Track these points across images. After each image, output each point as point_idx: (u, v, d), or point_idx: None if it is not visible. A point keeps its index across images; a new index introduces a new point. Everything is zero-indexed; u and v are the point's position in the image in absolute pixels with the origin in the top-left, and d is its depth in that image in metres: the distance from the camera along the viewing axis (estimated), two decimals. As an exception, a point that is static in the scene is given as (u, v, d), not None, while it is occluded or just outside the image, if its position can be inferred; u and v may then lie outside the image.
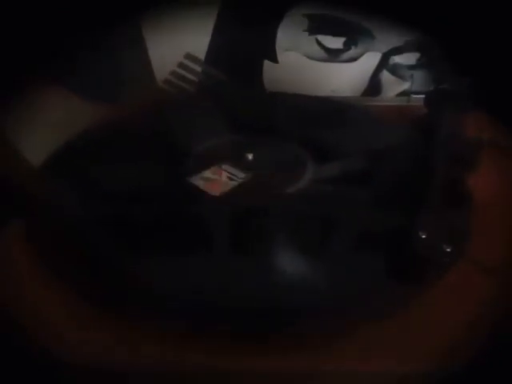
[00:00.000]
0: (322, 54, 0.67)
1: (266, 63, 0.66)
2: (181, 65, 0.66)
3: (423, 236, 0.44)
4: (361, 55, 0.67)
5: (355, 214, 0.47)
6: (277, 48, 0.66)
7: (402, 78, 0.67)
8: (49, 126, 0.53)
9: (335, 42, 0.67)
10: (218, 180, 0.50)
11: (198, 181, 0.49)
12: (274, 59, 0.66)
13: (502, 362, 0.36)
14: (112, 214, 0.44)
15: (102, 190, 0.47)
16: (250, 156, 0.52)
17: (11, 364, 0.34)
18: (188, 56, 0.66)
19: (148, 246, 0.42)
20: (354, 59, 0.67)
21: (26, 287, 0.40)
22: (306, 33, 0.66)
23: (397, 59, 0.67)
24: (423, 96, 0.59)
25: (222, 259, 0.42)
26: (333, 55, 0.67)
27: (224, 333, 0.38)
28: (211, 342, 0.37)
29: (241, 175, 0.50)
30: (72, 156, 0.52)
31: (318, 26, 0.66)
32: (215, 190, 0.49)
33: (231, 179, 0.50)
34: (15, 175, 0.47)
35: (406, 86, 0.67)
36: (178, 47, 0.64)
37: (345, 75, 0.67)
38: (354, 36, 0.66)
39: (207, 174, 0.51)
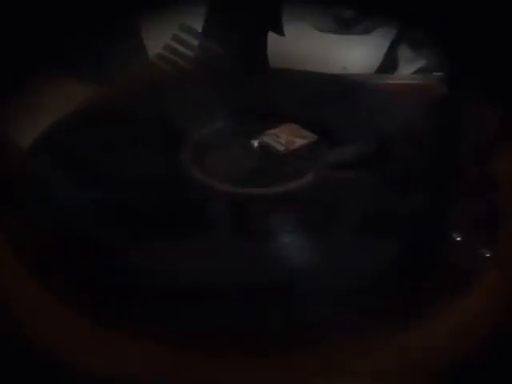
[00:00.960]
0: (332, 25, 0.63)
1: (271, 36, 0.62)
2: (175, 37, 0.61)
3: (458, 238, 0.40)
4: (376, 27, 0.64)
5: (368, 203, 0.44)
6: (283, 19, 0.62)
7: (420, 53, 0.63)
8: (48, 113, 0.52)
9: (348, 12, 0.63)
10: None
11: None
12: (280, 31, 0.62)
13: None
14: (106, 200, 0.43)
15: (94, 175, 0.46)
16: (256, 143, 0.49)
17: (9, 365, 0.34)
18: (183, 27, 0.61)
19: (144, 233, 0.41)
20: (368, 31, 0.64)
21: (21, 287, 0.40)
22: (316, 1, 0.63)
23: (416, 32, 0.63)
24: (444, 74, 0.56)
25: (224, 247, 0.41)
26: (345, 27, 0.64)
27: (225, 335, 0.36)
28: (212, 346, 0.36)
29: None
30: (59, 139, 0.50)
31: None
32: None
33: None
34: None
35: (424, 62, 0.63)
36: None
37: (357, 50, 0.64)
38: (369, 5, 0.60)
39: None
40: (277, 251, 0.41)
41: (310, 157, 0.49)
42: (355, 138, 0.50)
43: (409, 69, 0.63)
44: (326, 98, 0.55)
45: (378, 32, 0.63)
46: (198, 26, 0.61)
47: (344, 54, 0.63)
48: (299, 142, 0.50)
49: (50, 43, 0.49)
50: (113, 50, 0.55)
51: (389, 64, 0.63)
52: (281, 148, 0.49)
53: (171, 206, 0.44)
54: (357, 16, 0.63)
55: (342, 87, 0.57)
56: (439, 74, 0.57)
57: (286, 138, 0.50)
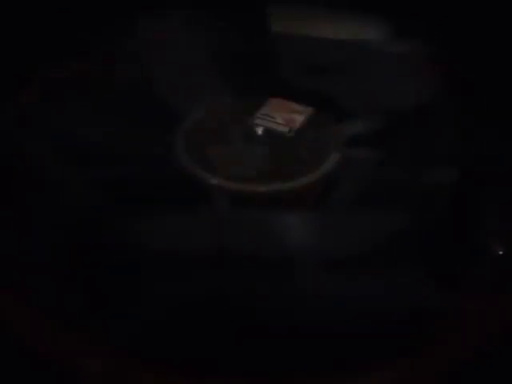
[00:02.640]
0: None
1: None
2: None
3: (500, 252, 0.36)
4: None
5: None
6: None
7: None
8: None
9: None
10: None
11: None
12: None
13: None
14: (98, 178, 0.43)
15: (86, 153, 0.45)
16: (260, 130, 0.45)
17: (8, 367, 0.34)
18: None
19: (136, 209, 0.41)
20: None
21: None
22: None
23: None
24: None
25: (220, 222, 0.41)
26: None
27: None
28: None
29: None
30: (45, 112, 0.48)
31: None
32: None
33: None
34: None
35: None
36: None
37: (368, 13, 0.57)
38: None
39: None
40: (282, 233, 0.40)
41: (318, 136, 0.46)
42: (364, 111, 0.48)
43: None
44: (334, 67, 0.52)
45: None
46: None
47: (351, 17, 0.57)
48: (298, 118, 0.47)
49: (49, 42, 0.51)
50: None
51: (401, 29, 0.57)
52: (285, 130, 0.46)
53: (163, 185, 0.42)
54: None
55: (349, 54, 0.54)
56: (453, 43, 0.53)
57: (282, 116, 0.47)
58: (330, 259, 0.38)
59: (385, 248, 0.38)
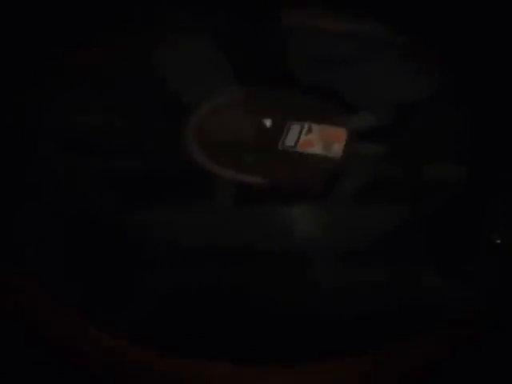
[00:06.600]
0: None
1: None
2: None
3: (498, 241, 0.36)
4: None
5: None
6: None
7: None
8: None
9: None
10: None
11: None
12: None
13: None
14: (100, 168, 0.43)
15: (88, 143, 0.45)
16: (268, 122, 0.45)
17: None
18: None
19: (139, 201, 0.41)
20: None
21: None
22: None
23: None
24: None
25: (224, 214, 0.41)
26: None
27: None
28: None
29: None
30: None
31: None
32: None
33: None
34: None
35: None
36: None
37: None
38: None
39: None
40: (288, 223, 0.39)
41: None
42: (371, 105, 0.47)
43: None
44: (344, 59, 0.52)
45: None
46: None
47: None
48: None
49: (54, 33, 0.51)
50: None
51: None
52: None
53: (168, 176, 0.42)
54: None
55: (356, 47, 0.54)
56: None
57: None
58: (333, 252, 0.37)
59: (386, 242, 0.38)
